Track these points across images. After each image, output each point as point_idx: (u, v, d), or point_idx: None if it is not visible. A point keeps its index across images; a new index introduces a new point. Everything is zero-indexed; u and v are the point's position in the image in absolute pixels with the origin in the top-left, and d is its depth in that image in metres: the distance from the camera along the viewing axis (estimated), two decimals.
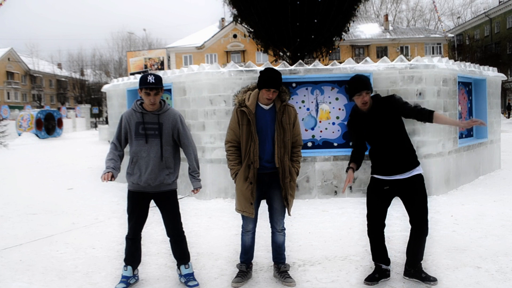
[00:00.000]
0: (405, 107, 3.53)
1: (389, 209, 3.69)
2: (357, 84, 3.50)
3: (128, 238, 3.74)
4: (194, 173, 3.78)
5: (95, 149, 18.55)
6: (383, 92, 6.55)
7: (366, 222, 3.72)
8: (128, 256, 3.74)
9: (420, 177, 3.59)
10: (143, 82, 3.50)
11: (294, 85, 7.21)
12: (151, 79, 3.48)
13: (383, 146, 3.56)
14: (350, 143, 5.91)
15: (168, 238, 3.82)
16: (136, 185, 3.64)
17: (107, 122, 23.75)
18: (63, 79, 70.08)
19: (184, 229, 3.85)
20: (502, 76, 9.81)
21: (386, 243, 3.76)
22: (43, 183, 9.73)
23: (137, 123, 3.60)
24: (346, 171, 3.64)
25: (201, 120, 7.32)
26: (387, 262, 3.73)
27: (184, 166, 3.95)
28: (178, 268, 3.84)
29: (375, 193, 3.66)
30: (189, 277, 3.73)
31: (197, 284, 3.68)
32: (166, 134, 3.64)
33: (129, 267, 3.74)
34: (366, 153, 3.75)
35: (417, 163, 3.60)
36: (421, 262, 3.70)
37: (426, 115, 3.48)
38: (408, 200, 3.59)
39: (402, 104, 3.54)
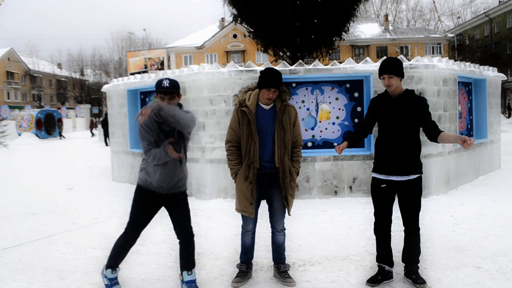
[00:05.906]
0: (425, 113, 3.54)
1: None
2: (381, 66, 3.53)
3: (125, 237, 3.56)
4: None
5: (95, 149, 18.54)
6: (382, 91, 6.53)
7: (374, 220, 3.73)
8: (114, 258, 3.54)
9: (418, 180, 3.58)
10: (158, 86, 3.38)
11: (294, 85, 7.21)
12: (165, 83, 3.34)
13: (393, 137, 3.54)
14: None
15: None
16: (149, 184, 3.47)
17: (104, 126, 20.82)
18: (63, 79, 70.07)
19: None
20: (502, 76, 9.82)
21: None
22: (43, 183, 9.74)
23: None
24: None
25: (201, 120, 7.32)
26: (391, 264, 3.72)
27: None
28: (181, 273, 3.63)
29: (376, 191, 3.67)
30: (191, 284, 3.55)
31: None
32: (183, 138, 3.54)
33: (110, 270, 3.56)
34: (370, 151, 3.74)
35: (418, 171, 3.58)
36: (418, 264, 3.68)
37: (434, 132, 3.49)
38: (403, 202, 3.59)
39: (425, 109, 3.55)
